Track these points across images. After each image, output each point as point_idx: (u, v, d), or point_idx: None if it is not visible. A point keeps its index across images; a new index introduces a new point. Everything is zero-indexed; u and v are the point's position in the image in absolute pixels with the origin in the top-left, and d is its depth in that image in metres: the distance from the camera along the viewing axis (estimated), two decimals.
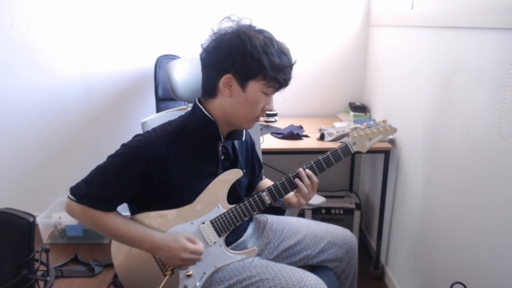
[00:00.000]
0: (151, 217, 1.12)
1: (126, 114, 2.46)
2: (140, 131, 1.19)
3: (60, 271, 2.06)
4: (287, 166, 2.32)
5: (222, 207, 1.14)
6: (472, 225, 1.25)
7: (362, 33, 2.31)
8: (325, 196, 1.57)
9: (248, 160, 1.31)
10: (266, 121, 2.26)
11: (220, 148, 1.15)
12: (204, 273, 1.14)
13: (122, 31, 2.31)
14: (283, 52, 1.05)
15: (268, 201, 1.16)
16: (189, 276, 1.12)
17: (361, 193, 2.50)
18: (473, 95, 1.21)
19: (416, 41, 1.64)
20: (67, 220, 2.35)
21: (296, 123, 2.21)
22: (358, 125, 1.24)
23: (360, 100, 2.41)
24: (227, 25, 1.07)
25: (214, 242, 1.14)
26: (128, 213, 1.17)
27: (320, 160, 1.16)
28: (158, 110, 2.16)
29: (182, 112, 1.21)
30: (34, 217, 1.21)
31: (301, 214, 2.14)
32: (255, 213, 1.16)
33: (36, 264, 1.28)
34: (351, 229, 2.16)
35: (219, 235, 1.14)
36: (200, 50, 1.10)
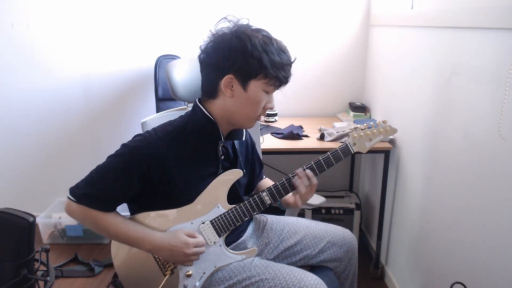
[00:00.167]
0: (151, 217, 1.12)
1: (126, 114, 2.46)
2: (140, 131, 1.19)
3: (60, 271, 2.06)
4: (287, 166, 2.32)
5: (222, 207, 1.14)
6: (472, 225, 1.25)
7: (362, 33, 2.31)
8: (325, 196, 1.57)
9: (248, 160, 1.31)
10: (266, 121, 2.26)
11: (220, 148, 1.15)
12: (204, 273, 1.14)
13: (122, 31, 2.31)
14: (282, 50, 1.05)
15: (268, 201, 1.16)
16: (188, 276, 1.12)
17: (361, 193, 2.50)
18: (473, 95, 1.21)
19: (416, 41, 1.64)
20: (67, 220, 2.35)
21: (296, 123, 2.21)
22: (358, 125, 1.24)
23: (360, 100, 2.41)
24: (225, 25, 1.07)
25: (214, 242, 1.14)
26: (128, 213, 1.17)
27: (320, 161, 1.16)
28: (158, 110, 2.16)
29: (182, 112, 1.21)
30: (34, 217, 1.21)
31: (301, 214, 2.14)
32: (255, 213, 1.16)
33: (36, 264, 1.28)
34: (351, 229, 2.16)
35: (219, 235, 1.14)
36: (198, 51, 1.10)
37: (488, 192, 1.16)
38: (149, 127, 1.16)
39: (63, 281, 2.07)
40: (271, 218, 1.37)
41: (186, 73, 1.38)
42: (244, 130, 1.22)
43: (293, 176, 1.15)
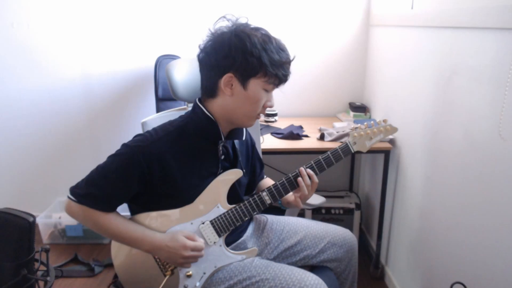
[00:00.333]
0: (151, 218, 1.12)
1: (126, 114, 2.46)
2: (140, 131, 1.19)
3: (60, 271, 2.06)
4: (287, 166, 2.33)
5: (222, 207, 1.14)
6: (472, 225, 1.25)
7: (362, 33, 2.31)
8: (325, 196, 1.57)
9: (249, 160, 1.31)
10: (266, 121, 2.26)
11: (221, 148, 1.15)
12: (204, 273, 1.14)
13: (122, 31, 2.31)
14: (281, 48, 1.05)
15: (268, 201, 1.16)
16: (189, 276, 1.12)
17: (361, 193, 2.50)
18: (473, 95, 1.21)
19: (416, 41, 1.64)
20: (67, 220, 2.35)
21: (296, 123, 2.21)
22: (358, 125, 1.24)
23: (360, 100, 2.41)
24: (223, 24, 1.07)
25: (214, 242, 1.14)
26: (128, 213, 1.17)
27: (320, 160, 1.16)
28: (158, 110, 2.16)
29: (182, 112, 1.21)
30: (34, 217, 1.21)
31: (301, 214, 2.14)
32: (255, 213, 1.16)
33: (36, 264, 1.28)
34: (351, 229, 2.16)
35: (219, 235, 1.14)
36: (198, 50, 1.10)
37: (488, 192, 1.16)
38: (149, 127, 1.16)
39: (63, 281, 2.07)
40: (271, 218, 1.37)
41: (186, 73, 1.38)
42: (244, 130, 1.22)
43: (294, 176, 1.15)
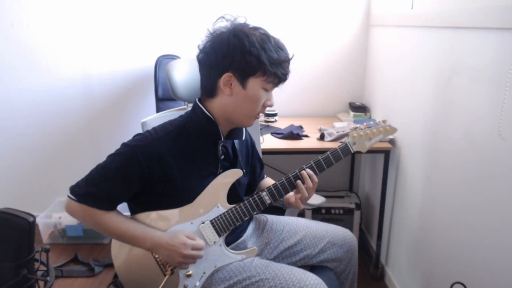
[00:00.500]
0: (151, 217, 1.12)
1: (126, 114, 2.46)
2: (140, 131, 1.19)
3: (60, 271, 2.06)
4: (287, 166, 2.33)
5: (222, 207, 1.14)
6: (472, 225, 1.25)
7: (362, 33, 2.31)
8: (325, 196, 1.57)
9: (249, 160, 1.31)
10: (266, 121, 2.26)
11: (220, 148, 1.15)
12: (204, 273, 1.14)
13: (122, 31, 2.31)
14: (280, 47, 1.05)
15: (268, 201, 1.16)
16: (189, 276, 1.12)
17: (361, 193, 2.50)
18: (473, 95, 1.21)
19: (416, 41, 1.64)
20: (67, 220, 2.35)
21: (296, 123, 2.21)
22: (358, 125, 1.24)
23: (360, 100, 2.41)
24: (222, 24, 1.07)
25: (214, 242, 1.14)
26: (128, 213, 1.17)
27: (320, 160, 1.16)
28: (158, 110, 2.16)
29: (182, 112, 1.21)
30: (34, 217, 1.21)
31: (301, 214, 2.14)
32: (255, 213, 1.16)
33: (36, 264, 1.28)
34: (351, 229, 2.16)
35: (219, 235, 1.14)
36: (197, 51, 1.10)
37: (488, 192, 1.16)
38: (149, 127, 1.16)
39: (63, 281, 2.07)
40: (271, 218, 1.37)
41: (186, 73, 1.38)
42: (244, 130, 1.22)
43: (294, 176, 1.15)
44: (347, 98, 2.42)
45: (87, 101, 2.44)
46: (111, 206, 1.09)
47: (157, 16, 2.29)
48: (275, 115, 2.28)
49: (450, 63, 1.35)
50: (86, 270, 2.15)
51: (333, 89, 2.41)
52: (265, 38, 1.03)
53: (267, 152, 1.81)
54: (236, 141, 1.24)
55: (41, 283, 1.29)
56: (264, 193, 1.15)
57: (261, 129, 2.07)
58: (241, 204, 1.15)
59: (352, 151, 1.20)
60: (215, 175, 1.14)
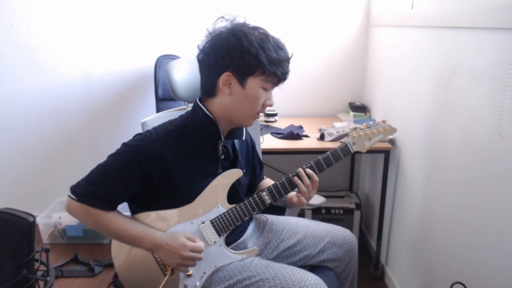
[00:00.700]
0: (151, 217, 1.12)
1: (126, 114, 2.46)
2: (140, 131, 1.19)
3: (60, 271, 2.06)
4: (287, 166, 2.33)
5: (222, 207, 1.14)
6: (472, 225, 1.25)
7: (362, 33, 2.31)
8: (325, 196, 1.57)
9: (249, 161, 1.31)
10: (266, 121, 2.26)
11: (221, 148, 1.15)
12: (204, 272, 1.14)
13: (122, 31, 2.31)
14: (279, 47, 1.05)
15: (268, 201, 1.16)
16: (189, 276, 1.12)
17: (361, 193, 2.50)
18: (473, 95, 1.21)
19: (416, 41, 1.64)
20: (67, 220, 2.35)
21: (296, 123, 2.21)
22: (358, 125, 1.24)
23: (360, 100, 2.41)
24: (222, 25, 1.07)
25: (214, 242, 1.14)
26: (128, 213, 1.17)
27: (320, 160, 1.16)
28: (158, 110, 2.16)
29: (182, 112, 1.21)
30: (34, 217, 1.21)
31: (301, 214, 2.14)
32: (255, 212, 1.16)
33: (36, 264, 1.28)
34: (351, 229, 2.16)
35: (219, 235, 1.14)
36: (197, 51, 1.10)
37: (488, 192, 1.16)
38: (149, 127, 1.16)
39: (63, 281, 2.07)
40: (271, 218, 1.37)
41: (186, 73, 1.38)
42: (244, 130, 1.22)
43: (294, 176, 1.15)
44: (347, 98, 2.42)
45: (87, 101, 2.44)
46: (111, 206, 1.09)
47: (157, 16, 2.29)
48: (275, 115, 2.28)
49: (450, 63, 1.35)
50: (86, 270, 2.15)
51: (333, 89, 2.41)
52: (264, 37, 1.03)
53: (267, 152, 1.81)
54: (236, 141, 1.24)
55: (41, 283, 1.29)
56: (264, 193, 1.15)
57: (261, 129, 2.07)
58: (241, 204, 1.15)
59: (352, 151, 1.20)
60: (215, 175, 1.14)
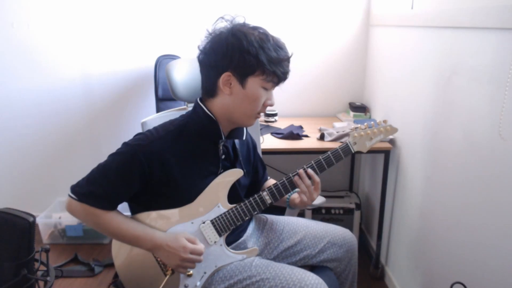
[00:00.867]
0: (152, 217, 1.12)
1: (126, 114, 2.46)
2: (140, 131, 1.19)
3: (60, 271, 2.06)
4: (287, 166, 2.33)
5: (222, 207, 1.14)
6: (472, 225, 1.25)
7: (362, 33, 2.31)
8: (325, 196, 1.58)
9: (250, 161, 1.31)
10: (266, 121, 2.26)
11: (221, 147, 1.15)
12: (205, 272, 1.14)
13: (122, 31, 2.31)
14: (279, 46, 1.05)
15: (269, 201, 1.16)
16: (189, 275, 1.12)
17: (361, 193, 2.50)
18: (473, 95, 1.21)
19: (416, 41, 1.64)
20: (67, 220, 2.35)
21: (296, 123, 2.21)
22: (359, 125, 1.24)
23: (360, 100, 2.42)
24: (222, 25, 1.07)
25: (215, 242, 1.14)
26: (129, 213, 1.17)
27: (321, 160, 1.16)
28: (158, 110, 2.16)
29: (182, 112, 1.21)
30: (34, 217, 1.21)
31: (301, 214, 2.14)
32: (256, 212, 1.16)
33: (36, 264, 1.28)
34: (351, 229, 2.16)
35: (220, 235, 1.14)
36: (198, 51, 1.10)
37: (488, 192, 1.16)
38: (149, 127, 1.16)
39: (63, 281, 2.07)
40: (271, 218, 1.37)
41: (186, 73, 1.38)
42: (245, 130, 1.22)
43: (294, 175, 1.15)
44: (347, 98, 2.42)
45: (87, 101, 2.44)
46: (111, 206, 1.09)
47: (157, 16, 2.29)
48: (275, 115, 2.28)
49: (450, 63, 1.35)
50: (86, 270, 2.14)
51: (333, 89, 2.41)
52: (264, 37, 1.04)
53: (267, 152, 1.81)
54: (236, 142, 1.24)
55: (41, 283, 1.28)
56: (264, 193, 1.15)
57: (261, 129, 2.07)
58: (242, 204, 1.15)
59: (353, 151, 1.20)
60: (215, 174, 1.14)
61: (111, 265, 2.15)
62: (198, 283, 1.13)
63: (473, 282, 1.22)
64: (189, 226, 1.12)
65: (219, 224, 1.13)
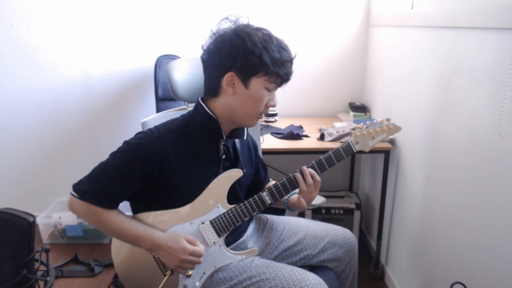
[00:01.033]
0: (152, 217, 1.12)
1: (126, 114, 2.46)
2: (141, 130, 1.19)
3: (60, 271, 2.06)
4: (287, 166, 2.33)
5: (222, 207, 1.14)
6: (472, 225, 1.25)
7: (362, 33, 2.31)
8: (325, 196, 1.57)
9: (252, 162, 1.31)
10: (266, 121, 2.26)
11: (222, 147, 1.15)
12: (204, 273, 1.14)
13: (122, 31, 2.31)
14: (282, 47, 1.06)
15: (269, 201, 1.16)
16: (188, 276, 1.12)
17: (361, 193, 2.50)
18: (473, 95, 1.21)
19: (416, 41, 1.64)
20: (67, 220, 2.35)
21: (296, 123, 2.21)
22: (359, 124, 1.23)
23: (360, 100, 2.41)
24: (226, 25, 1.08)
25: (214, 242, 1.14)
26: (130, 213, 1.17)
27: (322, 160, 1.16)
28: (158, 110, 2.16)
29: (183, 112, 1.21)
30: (34, 217, 1.21)
31: (301, 214, 2.14)
32: (255, 213, 1.16)
33: (36, 264, 1.28)
34: (351, 229, 2.16)
35: (219, 235, 1.14)
36: (200, 51, 1.10)
37: (488, 192, 1.16)
38: (149, 127, 1.16)
39: (63, 281, 2.07)
40: (271, 218, 1.37)
41: (186, 73, 1.38)
42: (246, 130, 1.22)
43: (294, 175, 1.15)
44: (347, 98, 2.42)
45: (87, 101, 2.44)
46: (113, 204, 1.09)
47: (157, 16, 2.29)
48: (275, 115, 2.28)
49: (450, 63, 1.35)
50: (86, 270, 2.14)
51: (333, 89, 2.41)
52: (268, 38, 1.04)
53: (267, 152, 1.81)
54: (237, 142, 1.24)
55: (41, 283, 1.29)
56: (264, 193, 1.15)
57: (261, 129, 2.07)
58: (241, 204, 1.15)
59: (355, 151, 1.20)
60: (216, 174, 1.14)
61: (111, 265, 2.15)
62: (197, 284, 1.13)
63: (473, 282, 1.21)
64: (188, 226, 1.12)
65: (218, 225, 1.13)
